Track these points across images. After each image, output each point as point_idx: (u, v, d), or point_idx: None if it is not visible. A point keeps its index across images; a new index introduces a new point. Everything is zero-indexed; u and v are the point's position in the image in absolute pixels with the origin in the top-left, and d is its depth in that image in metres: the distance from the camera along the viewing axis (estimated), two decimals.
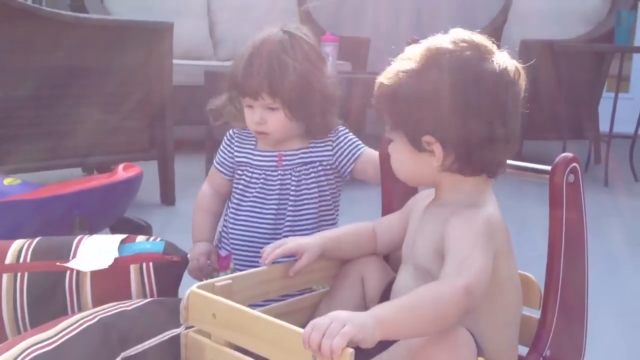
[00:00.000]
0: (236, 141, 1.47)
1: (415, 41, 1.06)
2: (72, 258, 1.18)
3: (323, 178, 1.42)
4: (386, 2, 5.14)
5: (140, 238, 1.26)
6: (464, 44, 1.00)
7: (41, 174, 2.59)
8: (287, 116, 1.37)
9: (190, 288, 1.02)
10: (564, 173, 1.04)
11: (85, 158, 2.67)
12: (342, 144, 1.43)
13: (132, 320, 1.04)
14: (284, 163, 1.41)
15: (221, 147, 1.49)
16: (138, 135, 2.74)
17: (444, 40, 1.02)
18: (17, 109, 2.39)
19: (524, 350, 1.10)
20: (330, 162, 1.42)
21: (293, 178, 1.40)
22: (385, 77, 1.03)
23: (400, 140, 1.04)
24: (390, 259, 1.29)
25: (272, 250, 1.12)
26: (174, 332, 1.05)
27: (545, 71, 3.41)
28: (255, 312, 0.95)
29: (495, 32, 3.97)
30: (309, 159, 1.42)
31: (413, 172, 1.06)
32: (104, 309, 1.06)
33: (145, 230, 2.14)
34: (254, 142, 1.45)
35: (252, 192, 1.42)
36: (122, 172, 2.17)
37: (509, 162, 1.10)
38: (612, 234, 2.55)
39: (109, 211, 2.07)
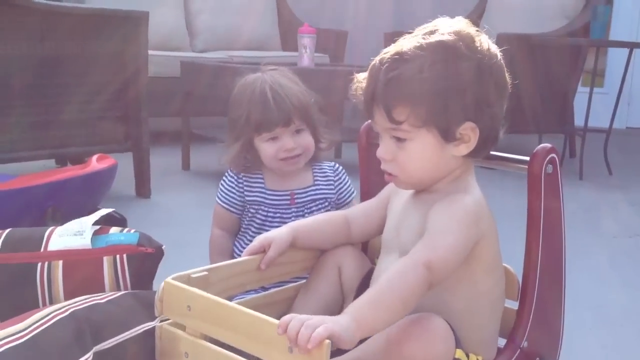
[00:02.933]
0: (244, 182, 1.51)
1: (393, 35, 1.05)
2: (43, 249, 1.16)
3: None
4: None
5: (114, 229, 1.23)
6: (463, 30, 1.01)
7: (13, 166, 2.54)
8: (312, 134, 1.48)
9: (165, 279, 1.00)
10: (542, 163, 1.04)
11: (59, 150, 2.62)
12: (342, 183, 1.54)
13: (105, 314, 1.02)
14: (296, 201, 1.48)
15: (225, 187, 1.52)
16: (113, 127, 2.70)
17: (442, 27, 1.01)
18: None
19: (501, 342, 1.10)
20: (332, 199, 1.52)
21: (307, 214, 1.48)
22: (401, 78, 0.97)
23: (423, 137, 0.99)
24: (369, 249, 1.28)
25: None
26: (149, 325, 1.03)
27: (522, 65, 3.42)
28: (231, 304, 0.94)
29: (473, 25, 3.98)
30: (317, 196, 1.50)
31: (434, 168, 1.02)
32: (76, 302, 1.04)
33: (120, 222, 2.11)
34: (262, 182, 1.50)
35: (269, 229, 1.46)
36: (95, 164, 2.14)
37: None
38: (588, 227, 2.57)
39: (82, 202, 2.04)
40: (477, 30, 1.03)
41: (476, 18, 4.30)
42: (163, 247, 1.20)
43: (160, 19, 3.82)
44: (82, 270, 1.14)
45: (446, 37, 0.98)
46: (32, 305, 1.11)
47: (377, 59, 1.02)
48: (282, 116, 1.42)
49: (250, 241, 1.47)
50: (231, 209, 1.51)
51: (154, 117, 2.87)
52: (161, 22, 3.97)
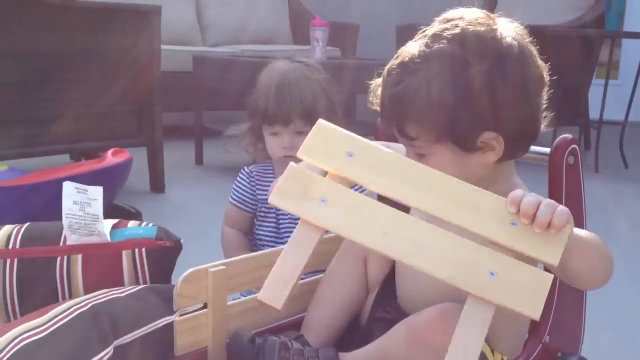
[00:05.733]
0: (256, 178, 1.51)
1: (405, 28, 1.02)
2: (62, 243, 1.15)
3: None
4: None
5: (132, 223, 1.23)
6: (474, 27, 0.92)
7: (28, 161, 2.55)
8: None
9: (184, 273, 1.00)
10: (564, 154, 1.03)
11: (73, 144, 2.63)
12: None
13: (125, 308, 1.02)
14: None
15: (238, 184, 1.52)
16: (126, 122, 2.70)
17: (450, 27, 0.93)
18: (1, 93, 2.34)
19: None
20: None
21: None
22: (405, 93, 0.90)
23: (441, 152, 0.92)
24: None
25: None
26: (168, 319, 1.02)
27: None
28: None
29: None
30: None
31: (462, 178, 0.89)
32: (95, 296, 1.04)
33: (135, 217, 2.12)
34: (273, 177, 1.49)
35: (285, 223, 1.48)
36: (111, 158, 2.14)
37: None
38: (604, 220, 2.55)
39: None
40: (493, 20, 0.95)
41: (489, 10, 4.25)
42: (181, 241, 1.20)
43: (171, 14, 3.83)
44: (101, 264, 1.14)
45: (451, 45, 0.90)
46: (52, 299, 1.11)
47: (386, 69, 0.96)
48: (281, 115, 1.41)
49: (274, 238, 1.49)
50: (242, 206, 1.51)
51: (166, 111, 2.88)
52: (173, 17, 3.97)
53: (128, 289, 1.05)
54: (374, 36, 4.59)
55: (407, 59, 0.92)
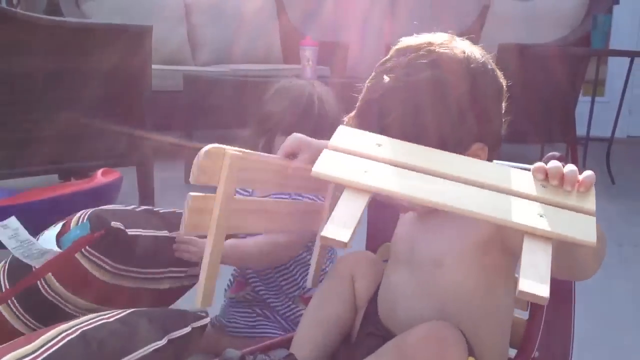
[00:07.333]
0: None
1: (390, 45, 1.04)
2: (34, 268, 1.16)
3: None
4: (364, 8, 5.15)
5: (73, 222, 1.23)
6: (447, 45, 0.98)
7: (16, 181, 2.54)
8: None
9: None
10: None
11: (62, 164, 2.62)
12: None
13: (114, 334, 1.01)
14: None
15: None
16: (117, 141, 2.70)
17: (425, 55, 0.96)
18: None
19: (511, 352, 1.09)
20: None
21: None
22: (393, 125, 0.93)
23: None
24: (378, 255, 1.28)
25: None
26: (157, 344, 1.02)
27: (523, 75, 3.42)
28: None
29: (474, 35, 3.99)
30: None
31: None
32: (84, 322, 1.03)
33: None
34: None
35: None
36: (101, 177, 2.15)
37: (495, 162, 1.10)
38: None
39: None
40: (457, 41, 1.00)
41: (477, 28, 4.32)
42: (113, 224, 1.19)
43: (162, 34, 3.84)
44: (70, 275, 1.15)
45: (432, 71, 0.94)
46: (63, 314, 1.12)
47: (364, 102, 0.99)
48: (317, 129, 1.40)
49: None
50: None
51: (156, 131, 2.88)
52: (163, 37, 3.98)
53: (117, 313, 1.05)
54: (364, 55, 4.62)
55: (386, 93, 0.95)
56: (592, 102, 3.46)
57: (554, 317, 1.08)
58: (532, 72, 3.50)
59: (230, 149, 1.02)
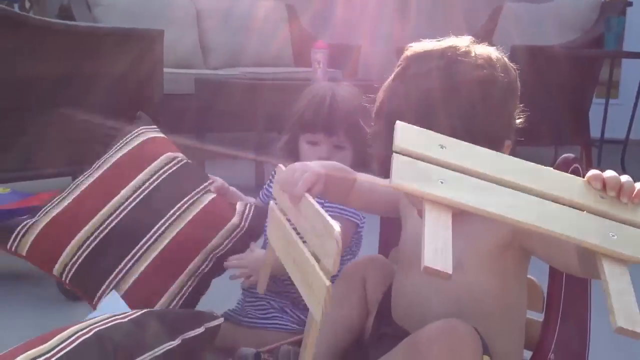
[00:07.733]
0: None
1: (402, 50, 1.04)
2: None
3: None
4: (376, 11, 5.15)
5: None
6: (481, 46, 1.01)
7: (29, 184, 2.55)
8: (350, 158, 1.45)
9: None
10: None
11: (75, 167, 2.63)
12: None
13: (127, 334, 1.02)
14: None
15: (265, 187, 1.62)
16: None
17: (459, 44, 1.00)
18: (3, 118, 2.35)
19: (527, 355, 1.08)
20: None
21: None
22: (448, 123, 0.93)
23: None
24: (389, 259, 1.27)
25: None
26: (170, 345, 1.02)
27: (536, 77, 3.41)
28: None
29: (486, 37, 3.98)
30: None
31: None
32: (98, 322, 1.04)
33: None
34: None
35: None
36: None
37: None
38: None
39: None
40: (482, 46, 1.02)
41: (489, 31, 4.30)
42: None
43: (173, 37, 3.85)
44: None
45: (480, 70, 0.97)
46: None
47: (391, 110, 0.99)
48: (329, 124, 1.44)
49: None
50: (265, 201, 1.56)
51: (168, 134, 2.88)
52: (175, 40, 4.00)
53: (130, 314, 1.05)
54: (376, 58, 4.62)
55: (433, 92, 0.95)
56: (606, 104, 3.44)
57: (570, 319, 1.07)
58: (545, 74, 3.48)
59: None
